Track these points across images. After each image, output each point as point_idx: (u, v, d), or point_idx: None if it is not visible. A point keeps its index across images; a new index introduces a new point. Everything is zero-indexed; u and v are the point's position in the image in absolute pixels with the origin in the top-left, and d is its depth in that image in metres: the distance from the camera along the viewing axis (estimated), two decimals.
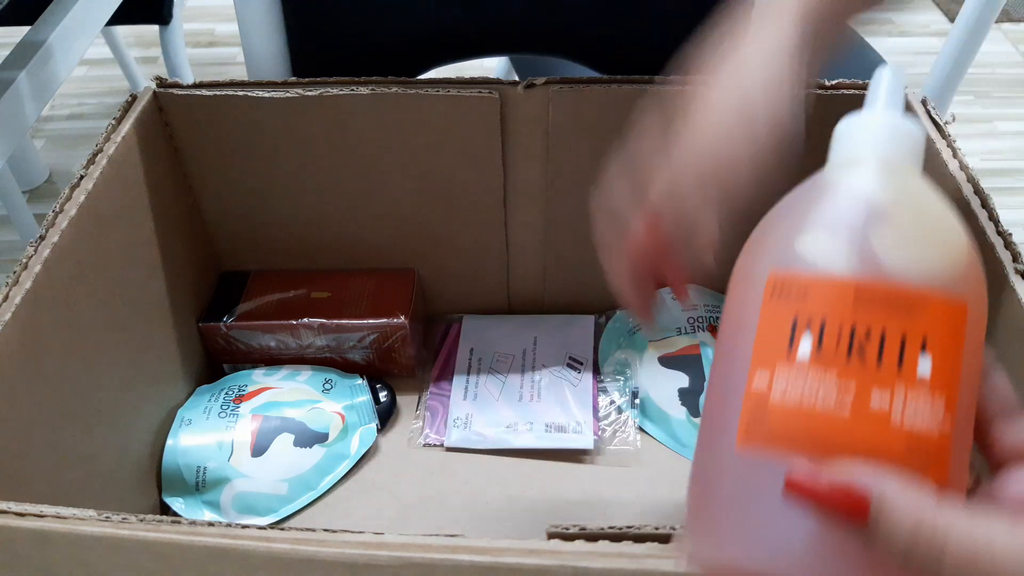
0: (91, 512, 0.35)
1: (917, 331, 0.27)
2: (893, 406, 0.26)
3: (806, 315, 0.28)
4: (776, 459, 0.27)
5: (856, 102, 0.55)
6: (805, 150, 0.59)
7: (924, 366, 0.26)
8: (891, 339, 0.27)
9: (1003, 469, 0.29)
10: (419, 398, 0.67)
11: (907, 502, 0.24)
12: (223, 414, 0.61)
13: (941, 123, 0.52)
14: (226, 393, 0.63)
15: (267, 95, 0.57)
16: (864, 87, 0.55)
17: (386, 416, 0.65)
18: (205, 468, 0.58)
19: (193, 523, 0.35)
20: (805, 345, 0.27)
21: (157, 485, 0.59)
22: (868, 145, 0.31)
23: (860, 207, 0.29)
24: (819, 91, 0.54)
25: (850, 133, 0.33)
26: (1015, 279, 0.43)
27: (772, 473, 0.26)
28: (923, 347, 0.27)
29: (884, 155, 0.31)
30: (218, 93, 0.58)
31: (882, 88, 0.33)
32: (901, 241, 0.28)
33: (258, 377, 0.65)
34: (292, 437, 0.60)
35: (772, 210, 0.32)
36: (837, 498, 0.25)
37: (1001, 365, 0.31)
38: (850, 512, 0.25)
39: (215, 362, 0.69)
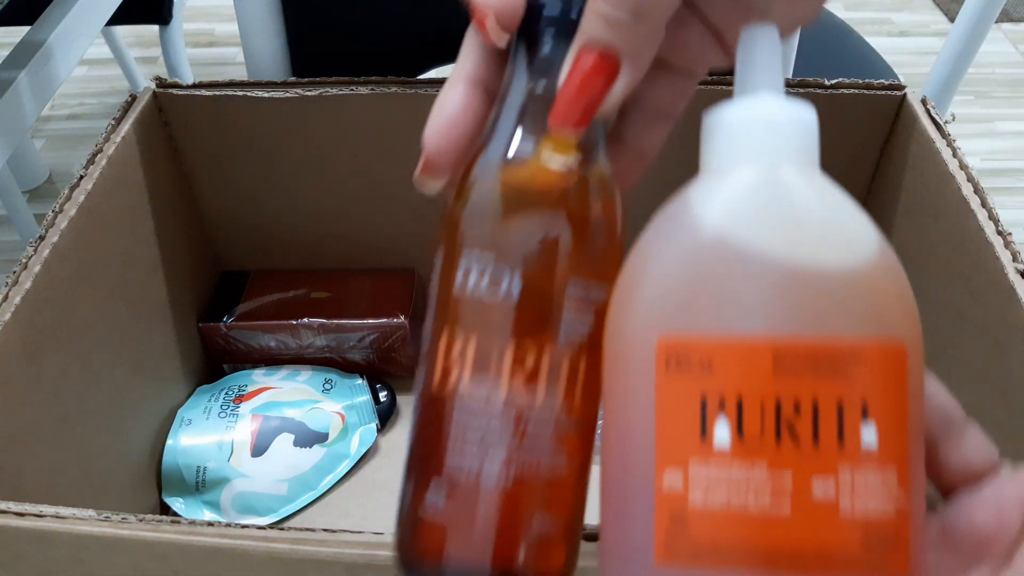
0: (91, 512, 0.35)
1: (855, 394, 0.22)
2: (840, 493, 0.22)
3: (717, 392, 0.22)
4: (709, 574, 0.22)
5: (857, 102, 0.55)
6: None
7: (868, 436, 0.22)
8: (825, 410, 0.22)
9: (954, 494, 0.27)
10: None
11: None
12: (223, 414, 0.61)
13: (941, 123, 0.52)
14: (226, 393, 0.63)
15: (267, 95, 0.57)
16: (864, 87, 0.55)
17: (386, 416, 0.65)
18: (205, 468, 0.58)
19: (193, 523, 0.35)
20: (722, 431, 0.22)
21: (157, 485, 0.59)
22: (754, 146, 0.25)
23: (759, 243, 0.23)
24: (818, 91, 0.54)
25: (728, 130, 0.25)
26: (1015, 278, 0.43)
27: None
28: (864, 413, 0.22)
29: (775, 156, 0.24)
30: (218, 93, 0.58)
31: (756, 62, 0.26)
32: (826, 300, 0.22)
33: (258, 377, 0.65)
34: (292, 437, 0.60)
35: (641, 245, 0.26)
36: None
37: (932, 374, 0.27)
38: None
39: (215, 362, 0.69)
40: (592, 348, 0.27)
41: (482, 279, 0.27)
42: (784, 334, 0.22)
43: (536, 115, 0.28)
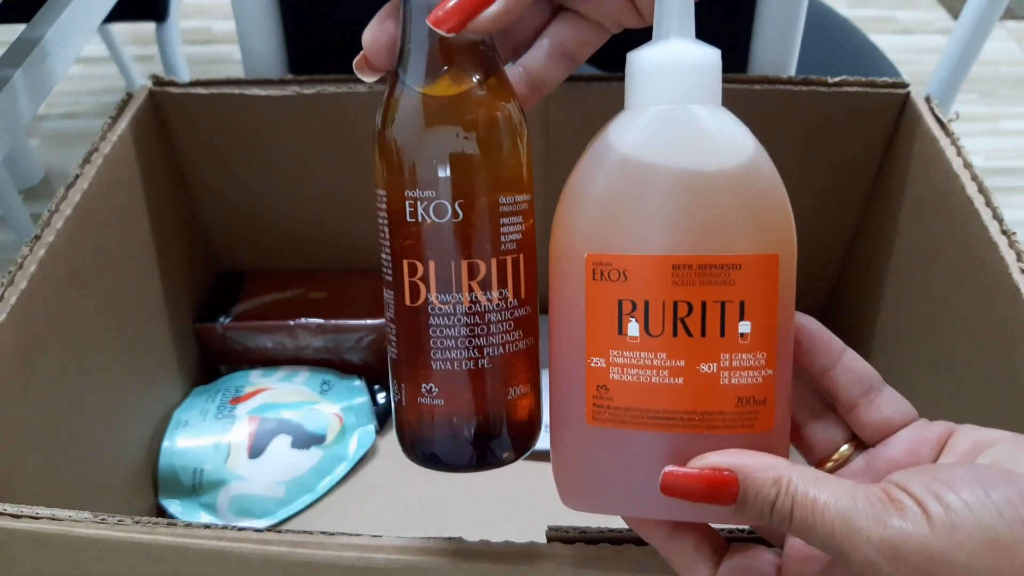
0: (87, 514, 0.35)
1: (734, 297, 0.29)
2: (720, 370, 0.29)
3: (629, 297, 0.29)
4: (625, 434, 0.30)
5: (861, 100, 0.55)
6: (807, 145, 0.59)
7: (744, 328, 0.29)
8: (711, 310, 0.29)
9: (879, 444, 0.31)
10: None
11: (766, 477, 0.27)
12: (220, 415, 0.60)
13: (945, 121, 0.52)
14: (223, 394, 0.62)
15: (264, 93, 0.57)
16: (868, 85, 0.55)
17: (385, 418, 0.64)
18: (202, 470, 0.58)
19: (189, 525, 0.35)
20: (633, 329, 0.29)
21: (153, 487, 0.59)
22: (661, 86, 0.30)
23: (665, 178, 0.29)
24: (822, 88, 0.54)
25: (648, 71, 0.30)
26: (1019, 278, 0.43)
27: (624, 444, 0.30)
28: (741, 313, 0.29)
29: (678, 94, 0.30)
30: (215, 91, 0.57)
31: (672, 10, 0.30)
32: (712, 210, 0.29)
33: (255, 378, 0.64)
34: (289, 439, 0.60)
35: (575, 173, 0.32)
36: (710, 488, 0.28)
37: (851, 350, 0.32)
38: (722, 497, 0.28)
39: (211, 363, 0.68)
40: (525, 244, 0.34)
41: (428, 211, 0.32)
42: (679, 252, 0.29)
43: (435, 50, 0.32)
